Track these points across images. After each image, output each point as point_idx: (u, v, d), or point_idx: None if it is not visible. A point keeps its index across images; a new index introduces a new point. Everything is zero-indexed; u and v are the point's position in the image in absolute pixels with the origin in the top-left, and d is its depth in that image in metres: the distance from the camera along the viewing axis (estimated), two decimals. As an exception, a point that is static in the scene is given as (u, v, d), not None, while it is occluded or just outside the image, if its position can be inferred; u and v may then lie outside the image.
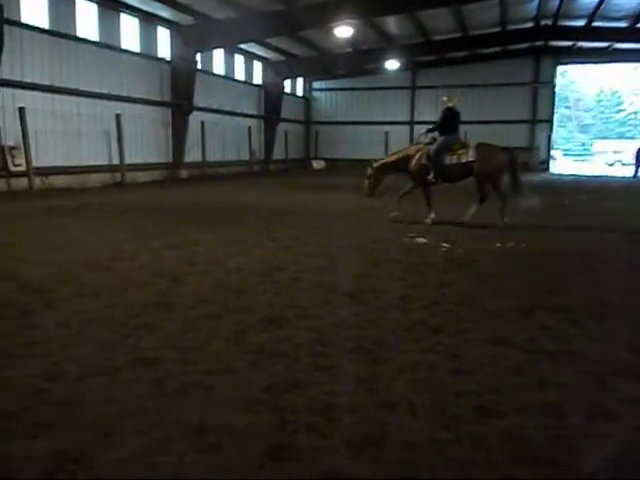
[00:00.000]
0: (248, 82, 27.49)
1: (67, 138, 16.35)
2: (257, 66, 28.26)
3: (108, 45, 17.98)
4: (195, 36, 20.24)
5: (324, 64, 28.85)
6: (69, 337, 3.88)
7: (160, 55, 20.61)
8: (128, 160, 18.20)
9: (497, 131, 31.33)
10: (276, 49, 26.45)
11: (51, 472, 2.32)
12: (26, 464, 2.36)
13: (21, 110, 14.20)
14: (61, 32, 16.09)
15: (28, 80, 14.90)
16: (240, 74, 26.84)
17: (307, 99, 34.76)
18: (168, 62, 20.67)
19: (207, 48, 21.79)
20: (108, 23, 18.08)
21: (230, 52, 25.41)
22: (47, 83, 15.58)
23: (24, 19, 14.87)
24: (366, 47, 26.99)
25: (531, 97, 31.64)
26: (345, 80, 33.38)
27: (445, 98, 10.24)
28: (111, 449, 2.49)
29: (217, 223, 9.48)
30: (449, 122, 9.87)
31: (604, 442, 2.62)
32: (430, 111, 32.56)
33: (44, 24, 15.65)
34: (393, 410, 2.88)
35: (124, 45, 18.87)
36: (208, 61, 23.63)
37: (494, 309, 4.68)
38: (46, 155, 15.48)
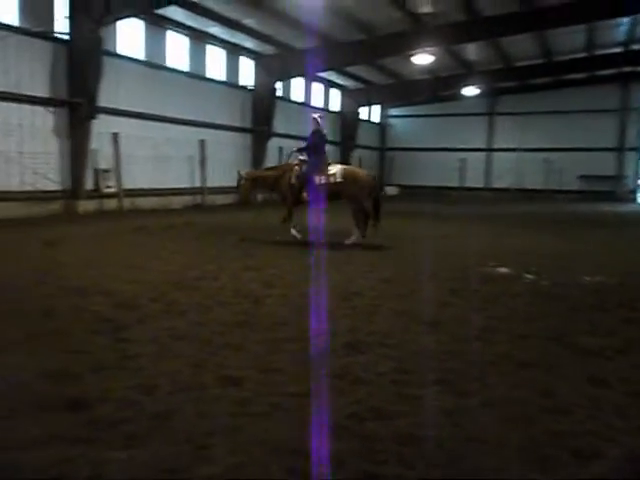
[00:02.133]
0: (326, 109, 28.04)
1: (154, 162, 17.26)
2: (335, 93, 28.80)
3: (195, 75, 18.98)
4: (276, 65, 20.98)
5: (401, 91, 28.98)
6: (159, 353, 4.05)
7: (242, 83, 21.48)
8: (209, 183, 18.94)
9: (579, 159, 30.21)
10: (354, 77, 26.89)
11: (148, 482, 2.41)
12: (124, 472, 2.46)
13: (115, 135, 15.17)
14: (153, 63, 17.16)
15: (122, 108, 15.93)
16: (318, 101, 27.43)
17: (382, 125, 34.95)
18: (250, 90, 21.50)
19: (287, 76, 22.48)
20: (197, 54, 19.12)
21: (309, 80, 26.07)
22: (139, 110, 16.59)
23: (119, 50, 15.99)
24: (444, 74, 26.91)
25: (618, 124, 30.28)
26: (421, 107, 33.33)
27: (313, 121, 10.53)
28: (204, 464, 2.56)
29: (290, 246, 9.63)
30: (318, 144, 10.35)
31: None
32: (509, 138, 31.92)
33: (139, 55, 16.75)
34: (481, 446, 2.79)
35: (209, 74, 19.84)
36: (287, 89, 24.35)
37: (587, 345, 4.45)
38: (134, 178, 16.39)
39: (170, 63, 17.97)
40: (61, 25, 14.07)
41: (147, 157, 16.99)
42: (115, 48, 15.77)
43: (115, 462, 2.54)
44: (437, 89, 29.16)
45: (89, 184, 15.11)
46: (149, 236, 10.64)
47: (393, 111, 34.90)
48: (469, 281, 7.06)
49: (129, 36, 16.38)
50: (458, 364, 3.96)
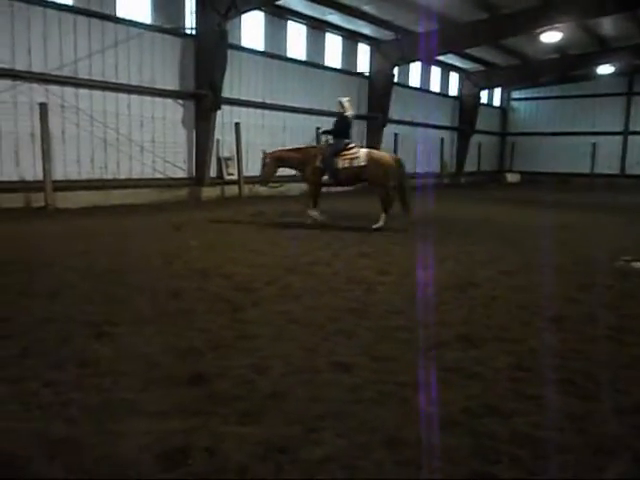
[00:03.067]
0: (443, 94, 27.22)
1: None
2: (453, 77, 27.84)
3: (312, 63, 19.24)
4: (394, 50, 20.68)
5: (526, 72, 27.28)
6: (274, 335, 4.17)
7: (359, 70, 21.45)
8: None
9: None
10: (474, 59, 25.77)
11: (260, 458, 2.49)
12: (238, 447, 2.57)
13: (237, 125, 15.85)
14: (273, 53, 17.65)
15: (244, 98, 16.58)
16: (436, 86, 26.69)
17: (504, 109, 33.24)
18: (366, 77, 21.41)
19: (405, 62, 22.08)
20: (315, 43, 19.37)
21: (427, 64, 25.41)
22: (259, 100, 17.17)
23: (242, 43, 16.61)
24: (575, 51, 24.91)
25: None
26: (548, 88, 31.20)
27: (338, 106, 10.67)
28: (314, 446, 2.60)
29: (404, 234, 9.48)
30: (342, 128, 10.42)
31: None
32: (650, 120, 28.99)
33: (260, 46, 17.30)
34: (611, 457, 2.56)
35: (327, 62, 20.03)
36: (405, 74, 23.93)
37: None
38: (254, 165, 16.99)
39: (289, 53, 18.38)
40: (190, 21, 14.89)
41: (265, 145, 17.50)
42: (239, 41, 16.40)
43: (231, 436, 2.65)
44: (566, 69, 27.09)
45: (213, 172, 15.95)
46: (265, 222, 11.01)
47: (516, 94, 33.01)
48: (599, 276, 6.52)
49: (251, 28, 16.95)
50: (585, 365, 3.68)
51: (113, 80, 13.33)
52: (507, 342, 4.08)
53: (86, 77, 12.74)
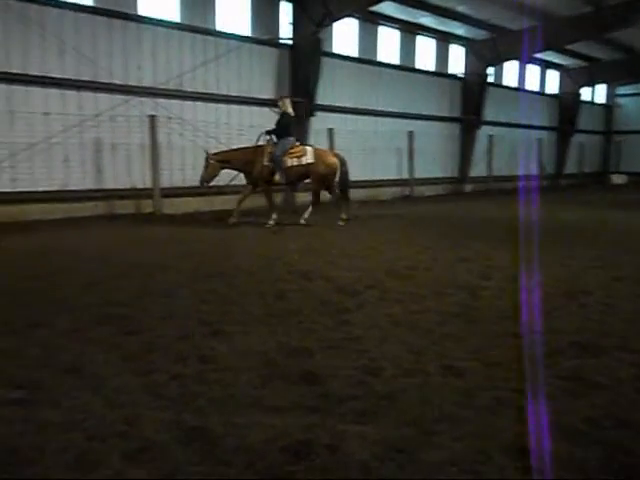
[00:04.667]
0: (541, 92, 26.08)
1: (364, 155, 17.84)
2: (552, 75, 26.60)
3: (404, 67, 19.14)
4: (488, 50, 20.13)
5: (634, 66, 25.52)
6: (380, 337, 4.21)
7: (451, 72, 21.06)
8: (417, 174, 19.01)
9: None
10: (575, 54, 24.47)
11: (380, 457, 2.53)
12: (359, 446, 2.62)
13: (330, 131, 16.08)
14: (365, 59, 17.75)
15: (336, 104, 16.79)
16: (533, 85, 25.62)
17: (608, 107, 31.27)
18: (459, 78, 20.98)
19: (500, 61, 21.42)
20: (406, 46, 19.27)
21: (524, 63, 24.45)
22: (351, 106, 17.32)
23: (335, 50, 16.84)
24: (692, 41, 23.00)
25: None
26: (659, 82, 29.01)
27: (280, 103, 10.91)
28: (431, 448, 2.60)
29: (505, 238, 9.18)
30: (285, 126, 10.59)
31: None
32: None
33: (352, 52, 17.47)
34: None
35: (418, 65, 19.85)
36: (499, 74, 23.19)
37: None
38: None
39: (380, 57, 18.41)
40: (285, 31, 15.32)
41: (357, 150, 17.62)
42: (331, 48, 16.66)
43: (349, 435, 2.71)
44: (681, 60, 25.06)
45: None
46: (361, 226, 11.08)
47: (622, 89, 30.95)
48: None
49: (343, 35, 17.16)
50: None
51: (214, 91, 13.99)
52: (631, 352, 3.86)
53: (190, 89, 13.48)
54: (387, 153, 18.64)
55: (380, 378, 3.42)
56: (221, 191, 14.22)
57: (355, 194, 17.05)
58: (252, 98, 14.73)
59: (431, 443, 2.66)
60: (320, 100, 15.72)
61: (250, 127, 14.88)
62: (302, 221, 10.86)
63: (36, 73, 11.18)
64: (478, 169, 22.00)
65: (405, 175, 18.93)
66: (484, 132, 21.62)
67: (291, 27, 15.06)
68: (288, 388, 3.26)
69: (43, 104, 11.36)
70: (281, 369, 3.54)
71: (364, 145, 17.82)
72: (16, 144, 10.98)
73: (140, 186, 12.74)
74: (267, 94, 15.16)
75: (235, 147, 11.71)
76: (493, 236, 9.52)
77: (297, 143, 10.97)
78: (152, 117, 12.29)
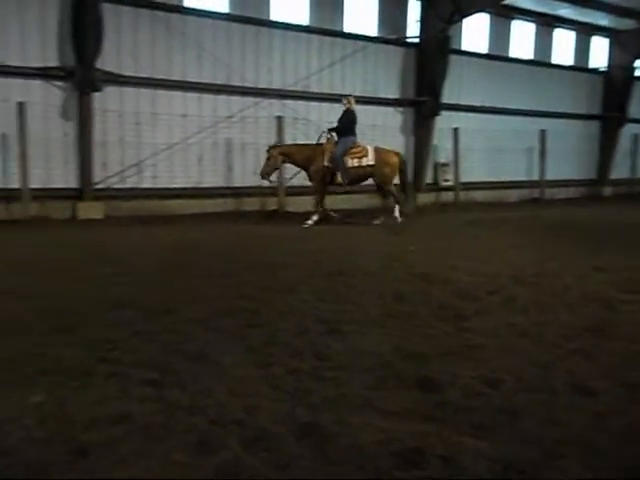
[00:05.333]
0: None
1: (490, 155, 17.10)
2: None
3: (539, 62, 18.09)
4: (636, 41, 18.39)
5: None
6: (502, 347, 4.00)
7: (592, 66, 19.53)
8: (548, 176, 17.88)
9: None
10: None
11: (497, 475, 2.40)
12: (474, 461, 2.50)
13: (455, 130, 15.63)
14: (495, 55, 17.02)
15: (463, 103, 16.28)
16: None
17: None
18: (600, 72, 19.40)
19: (651, 51, 19.49)
20: (542, 40, 18.20)
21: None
22: (478, 104, 16.70)
23: (463, 47, 16.33)
24: None
25: None
26: None
27: (344, 100, 10.61)
28: (556, 472, 2.43)
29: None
30: (348, 124, 10.25)
31: None
32: None
33: (481, 49, 16.83)
34: None
35: (555, 60, 18.65)
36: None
37: None
38: (470, 171, 16.57)
39: (513, 53, 17.55)
40: (412, 30, 15.14)
41: (483, 150, 16.96)
42: (460, 45, 16.18)
43: (464, 448, 2.60)
44: None
45: (428, 178, 15.98)
46: (484, 229, 10.64)
47: None
48: None
49: (473, 31, 16.59)
50: None
51: (340, 92, 14.19)
52: None
53: (316, 90, 13.79)
54: (516, 153, 17.69)
55: (500, 391, 3.25)
56: (343, 190, 14.43)
57: (480, 196, 16.51)
58: (377, 98, 14.75)
59: (556, 467, 2.47)
60: (446, 99, 15.34)
61: (373, 127, 14.93)
62: (397, 219, 10.67)
63: (177, 78, 12.09)
64: (619, 171, 20.20)
65: (535, 177, 17.89)
66: (628, 130, 19.80)
67: (418, 25, 14.85)
68: (402, 393, 3.20)
69: (182, 107, 12.25)
70: (396, 372, 3.49)
71: (491, 145, 17.10)
72: (157, 144, 11.95)
73: (266, 184, 13.28)
74: (392, 94, 15.11)
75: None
76: (638, 245, 8.68)
77: (358, 142, 10.65)
78: (279, 118, 12.74)
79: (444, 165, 16.18)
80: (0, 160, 10.68)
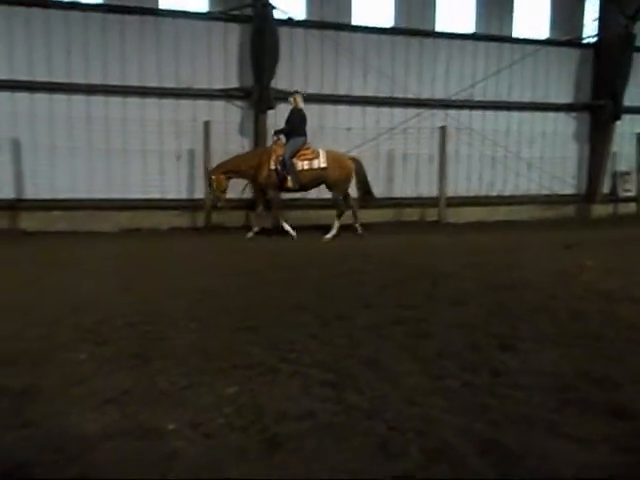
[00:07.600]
0: None
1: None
2: None
3: None
4: None
5: None
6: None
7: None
8: None
9: None
10: None
11: None
12: None
13: (638, 135, 14.18)
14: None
15: None
16: None
17: None
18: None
19: None
20: None
21: None
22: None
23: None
24: None
25: None
26: None
27: (291, 99, 9.86)
28: None
29: None
30: (298, 124, 9.52)
31: None
32: None
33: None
34: None
35: None
36: None
37: None
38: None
39: None
40: (588, 29, 14.07)
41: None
42: None
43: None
44: None
45: (605, 188, 14.66)
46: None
47: None
48: None
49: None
50: None
51: (505, 99, 13.66)
52: None
53: (480, 99, 13.43)
54: None
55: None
56: (505, 201, 13.86)
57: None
58: (547, 103, 13.97)
59: None
60: (628, 101, 13.98)
61: (543, 134, 14.16)
62: (327, 237, 9.82)
63: (343, 93, 12.56)
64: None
65: None
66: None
67: (597, 24, 13.76)
68: (591, 419, 2.99)
69: (347, 120, 12.69)
70: (581, 396, 3.27)
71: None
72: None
73: (426, 195, 13.21)
74: (564, 98, 14.17)
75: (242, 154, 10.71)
76: None
77: (309, 144, 9.78)
78: (443, 128, 12.62)
79: (625, 174, 14.74)
80: (187, 174, 11.98)
